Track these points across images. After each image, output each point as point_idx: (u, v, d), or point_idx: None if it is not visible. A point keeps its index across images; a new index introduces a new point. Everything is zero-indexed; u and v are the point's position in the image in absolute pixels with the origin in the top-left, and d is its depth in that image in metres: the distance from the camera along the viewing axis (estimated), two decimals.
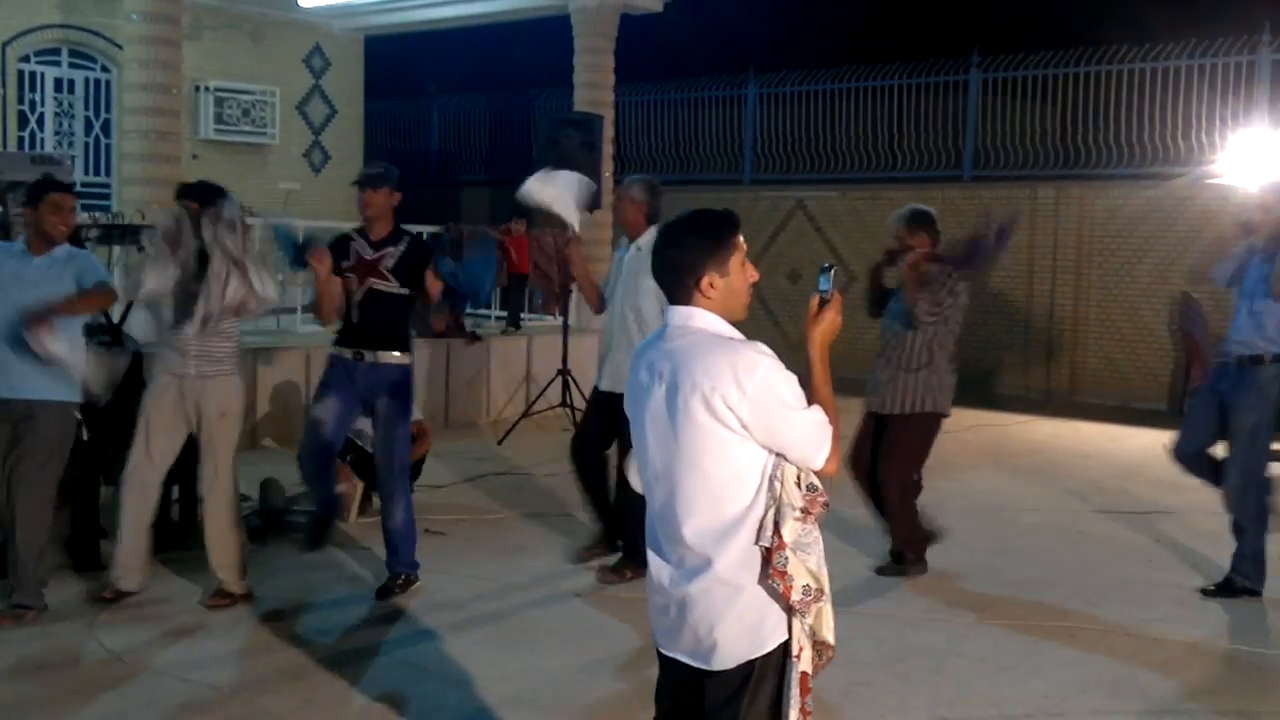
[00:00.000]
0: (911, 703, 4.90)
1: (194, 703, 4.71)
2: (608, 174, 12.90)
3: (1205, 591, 6.51)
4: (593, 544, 6.84)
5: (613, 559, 6.58)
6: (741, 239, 2.94)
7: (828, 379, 2.94)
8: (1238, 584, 6.44)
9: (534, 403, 11.09)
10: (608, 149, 13.00)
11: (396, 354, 6.05)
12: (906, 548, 6.66)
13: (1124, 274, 13.79)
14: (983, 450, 10.75)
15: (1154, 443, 11.31)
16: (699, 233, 2.93)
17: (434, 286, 6.02)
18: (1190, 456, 6.64)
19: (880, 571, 6.69)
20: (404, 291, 6.03)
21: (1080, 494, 9.08)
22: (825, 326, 2.96)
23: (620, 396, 6.11)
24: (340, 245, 6.10)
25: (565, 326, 11.21)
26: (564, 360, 10.94)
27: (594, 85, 13.55)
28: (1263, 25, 13.16)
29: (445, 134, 20.18)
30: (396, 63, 18.07)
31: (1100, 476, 9.78)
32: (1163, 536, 7.82)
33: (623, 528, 6.52)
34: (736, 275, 2.92)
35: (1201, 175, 13.22)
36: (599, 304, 6.64)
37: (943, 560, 6.97)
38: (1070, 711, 4.88)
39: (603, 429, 6.49)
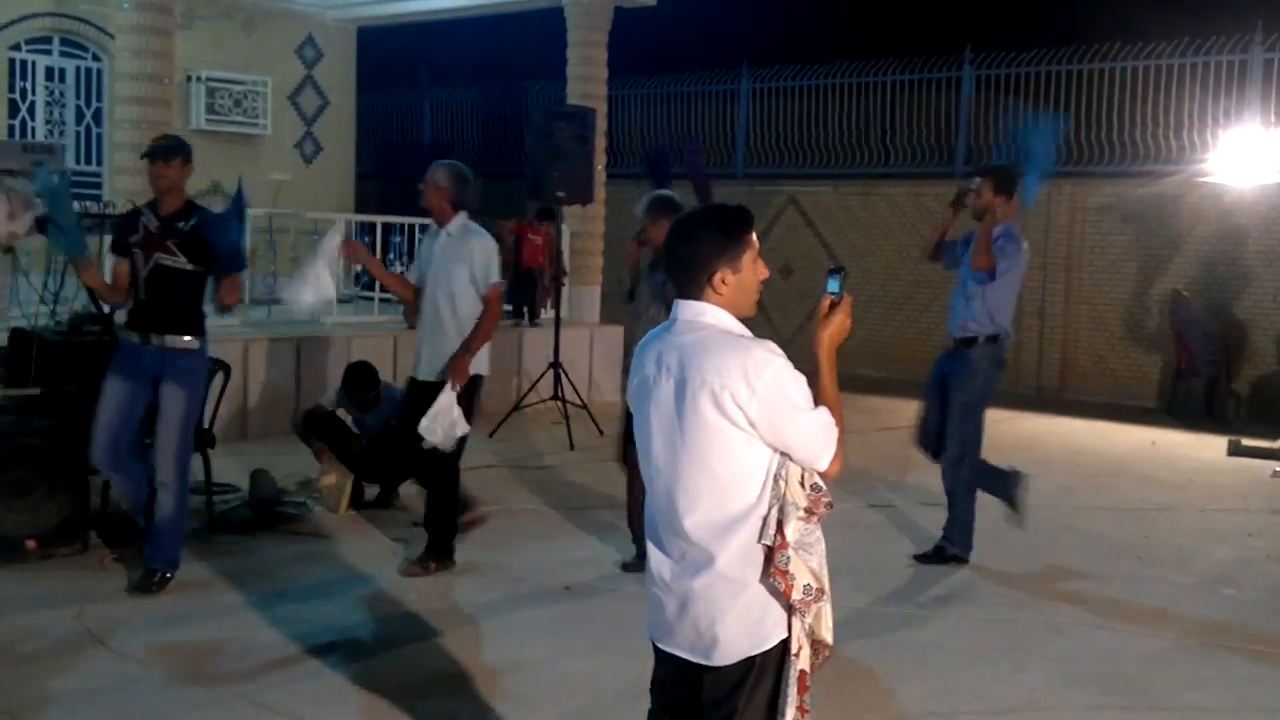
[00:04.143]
0: (898, 697, 4.91)
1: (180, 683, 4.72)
2: (600, 167, 12.89)
3: (917, 558, 6.84)
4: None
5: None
6: (754, 236, 2.93)
7: (835, 380, 2.95)
8: (948, 551, 6.81)
9: (525, 396, 11.08)
10: (600, 142, 12.98)
11: (186, 338, 5.87)
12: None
13: (1115, 271, 13.82)
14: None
15: (1143, 439, 11.38)
16: (713, 228, 2.91)
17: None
18: (930, 438, 6.91)
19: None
20: (193, 268, 5.83)
21: (1070, 490, 9.10)
22: (834, 329, 2.97)
23: (430, 385, 6.15)
24: (129, 221, 5.94)
25: (557, 319, 11.21)
26: (555, 354, 10.94)
27: (587, 78, 13.52)
28: (1255, 25, 13.18)
29: (437, 126, 20.14)
30: (389, 54, 18.01)
31: (1089, 472, 9.80)
32: (1151, 532, 7.85)
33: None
34: (748, 272, 2.91)
35: (1193, 173, 13.25)
36: (413, 296, 6.38)
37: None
38: (1057, 706, 4.89)
39: (417, 418, 6.18)
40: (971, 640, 5.63)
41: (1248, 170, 12.89)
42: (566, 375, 10.80)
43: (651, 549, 2.98)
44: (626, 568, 6.51)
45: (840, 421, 2.89)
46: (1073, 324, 14.12)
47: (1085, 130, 14.19)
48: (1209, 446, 10.99)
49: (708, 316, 2.89)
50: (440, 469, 6.28)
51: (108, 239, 9.18)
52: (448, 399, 6.07)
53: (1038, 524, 7.97)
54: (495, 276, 6.26)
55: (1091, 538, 7.67)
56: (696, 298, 2.90)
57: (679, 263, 2.92)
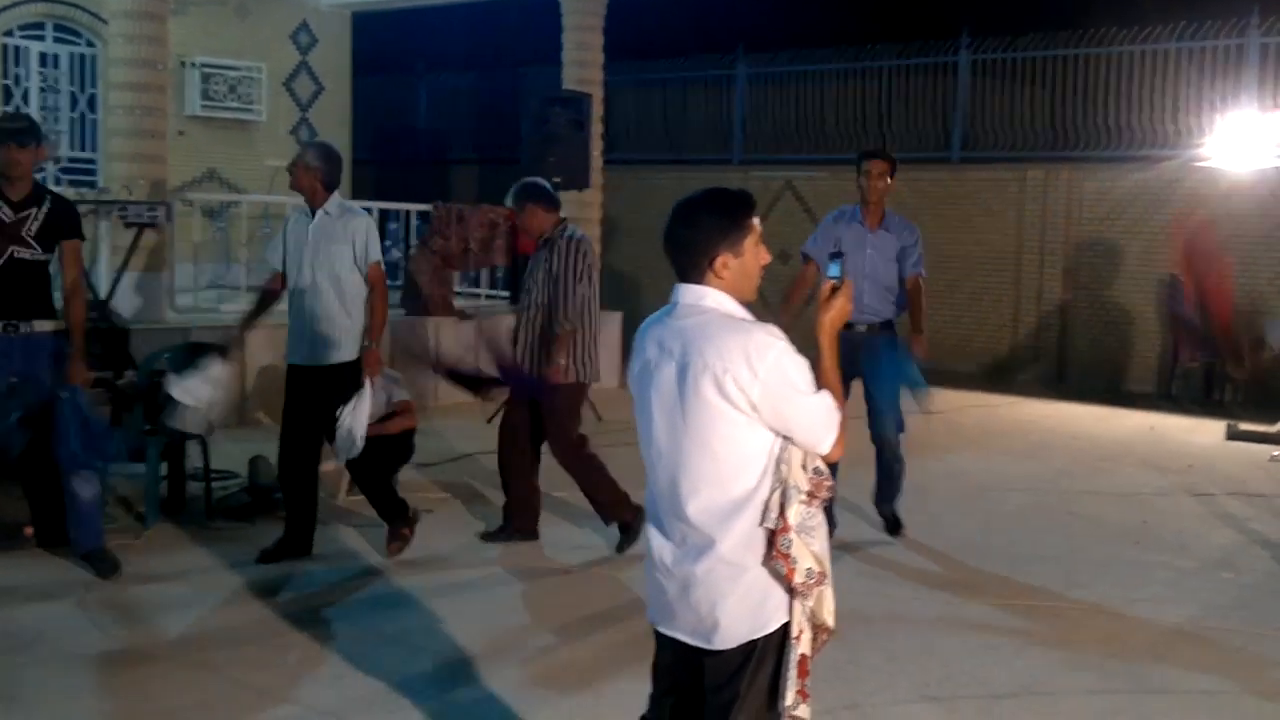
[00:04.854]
0: (898, 681, 4.90)
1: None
2: (596, 153, 12.84)
3: (891, 533, 7.00)
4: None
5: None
6: (756, 220, 2.93)
7: (837, 364, 2.94)
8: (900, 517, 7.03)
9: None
10: (596, 128, 12.94)
11: (50, 322, 5.82)
12: None
13: (1112, 256, 13.80)
14: (971, 431, 10.76)
15: (1142, 424, 11.38)
16: (715, 212, 2.90)
17: (72, 249, 5.84)
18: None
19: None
20: (46, 257, 5.81)
21: (1069, 474, 9.10)
22: (835, 313, 2.96)
23: (314, 370, 6.07)
24: None
25: None
26: None
27: (583, 64, 13.46)
28: (1251, 9, 13.15)
29: (433, 112, 20.07)
30: (384, 39, 17.92)
31: (1089, 457, 9.80)
32: (1151, 516, 7.84)
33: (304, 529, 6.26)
34: (750, 256, 2.91)
35: (1190, 158, 13.24)
36: (279, 285, 6.30)
37: (930, 539, 7.00)
38: (1058, 691, 4.89)
39: (308, 410, 6.16)
40: (972, 624, 5.63)
41: (1244, 154, 12.87)
42: None
43: (652, 533, 2.98)
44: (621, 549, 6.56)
45: (841, 405, 2.88)
46: (1071, 309, 14.11)
47: (1082, 115, 14.17)
48: (1207, 431, 11.00)
49: (709, 300, 2.88)
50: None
51: (103, 225, 9.23)
52: (368, 394, 6.04)
53: (1038, 509, 7.99)
54: (376, 254, 6.12)
55: (1091, 522, 7.67)
56: (698, 281, 2.89)
57: (680, 246, 2.91)
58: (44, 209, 5.75)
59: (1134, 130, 13.83)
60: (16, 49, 13.27)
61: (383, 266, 6.21)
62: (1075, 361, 14.11)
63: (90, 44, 13.68)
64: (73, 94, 13.71)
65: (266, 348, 9.77)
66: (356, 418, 6.04)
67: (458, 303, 11.80)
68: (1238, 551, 7.09)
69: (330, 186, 6.16)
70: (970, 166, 14.88)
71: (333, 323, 6.09)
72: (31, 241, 5.72)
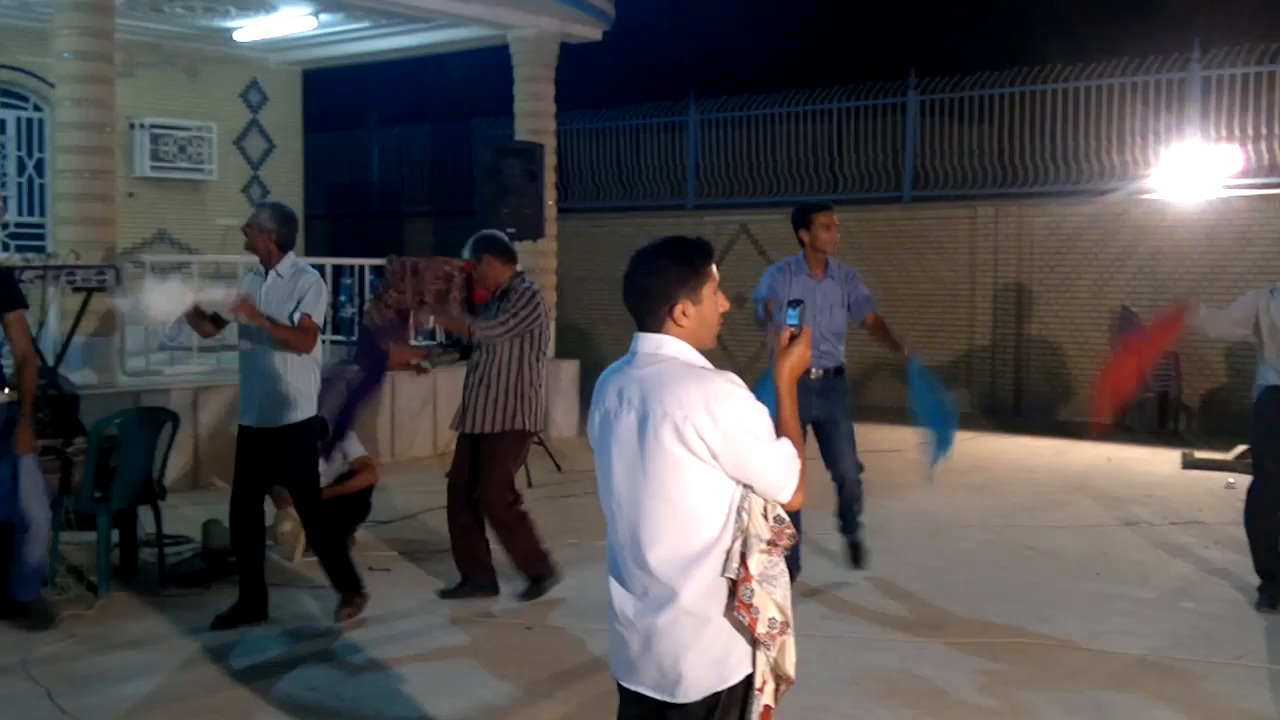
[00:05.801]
0: None
1: None
2: (550, 202, 12.88)
3: (856, 566, 6.97)
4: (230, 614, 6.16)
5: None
6: (714, 268, 2.94)
7: (796, 412, 2.94)
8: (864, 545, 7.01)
9: None
10: (550, 177, 12.99)
11: (6, 390, 5.89)
12: None
13: (1064, 289, 13.94)
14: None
15: (1099, 456, 11.44)
16: (674, 260, 2.91)
17: (16, 319, 5.88)
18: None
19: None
20: None
21: (1027, 509, 9.13)
22: (794, 360, 2.96)
23: (264, 431, 6.03)
24: None
25: None
26: None
27: (535, 114, 13.53)
28: (1192, 43, 13.39)
29: (386, 166, 20.07)
30: (335, 95, 17.95)
31: (1047, 490, 9.84)
32: (1111, 548, 7.87)
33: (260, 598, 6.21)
34: (708, 304, 2.91)
35: (1136, 190, 13.42)
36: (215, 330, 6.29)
37: (892, 578, 6.99)
38: None
39: (258, 472, 6.15)
40: (937, 665, 5.61)
41: (1189, 186, 13.06)
42: None
43: (613, 585, 2.94)
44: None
45: (801, 453, 2.88)
46: (1025, 342, 14.22)
47: (1030, 151, 14.35)
48: (1163, 460, 11.08)
49: (667, 348, 2.88)
50: (310, 506, 6.21)
51: (51, 290, 9.12)
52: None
53: (998, 544, 8.00)
54: (310, 308, 6.02)
55: (1051, 556, 7.69)
56: (656, 330, 2.90)
57: (640, 294, 2.91)
58: None
59: (1081, 164, 14.02)
60: None
61: (315, 321, 6.09)
62: (1031, 395, 14.20)
63: (38, 108, 13.63)
64: (20, 159, 13.64)
65: (218, 411, 9.69)
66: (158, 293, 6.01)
67: (413, 358, 11.73)
68: (1197, 581, 7.12)
69: (285, 248, 6.14)
70: (921, 205, 15.02)
71: (283, 383, 6.04)
72: None
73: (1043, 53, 15.09)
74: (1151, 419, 12.85)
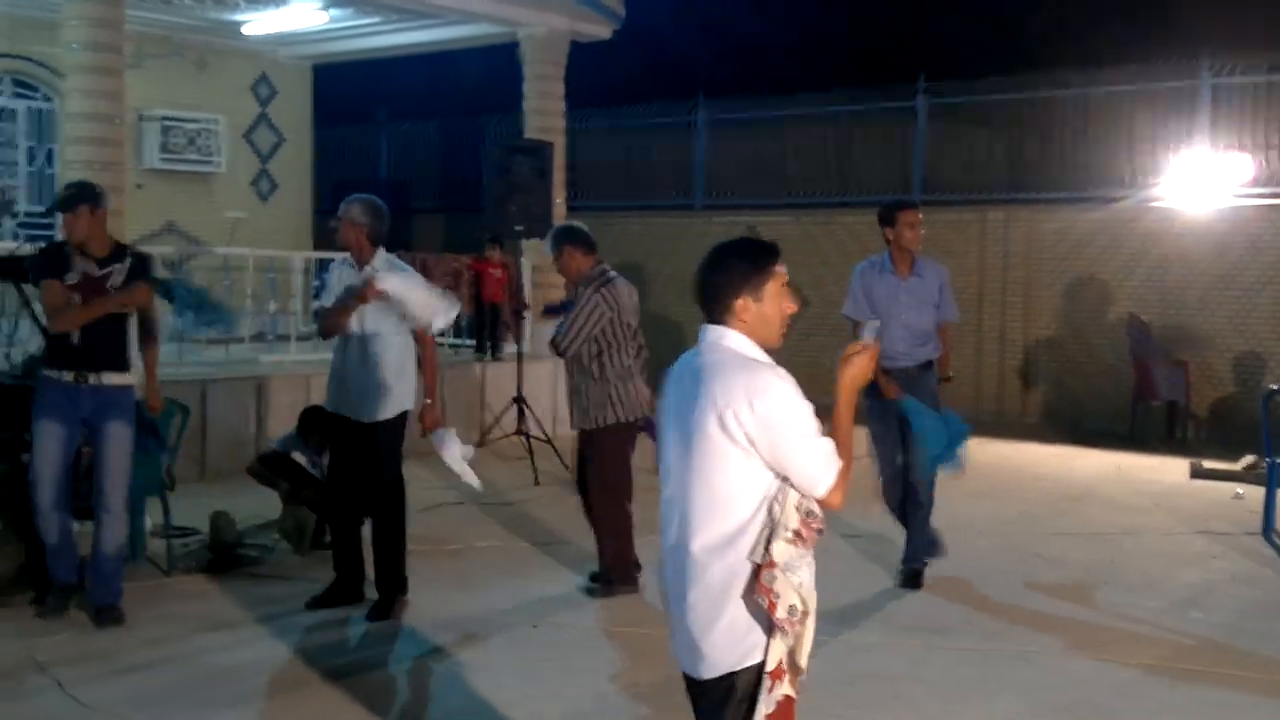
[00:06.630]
0: None
1: None
2: (559, 200, 12.86)
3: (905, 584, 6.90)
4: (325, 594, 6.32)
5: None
6: (782, 269, 3.08)
7: (850, 418, 3.06)
8: (923, 570, 6.94)
9: (489, 430, 11.00)
10: (559, 176, 12.97)
11: (122, 375, 5.90)
12: None
13: (1072, 295, 13.92)
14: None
15: (1107, 464, 11.43)
16: (740, 258, 3.07)
17: (143, 294, 5.95)
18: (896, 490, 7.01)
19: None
20: (128, 312, 5.92)
21: (1034, 515, 9.11)
22: (854, 371, 3.07)
23: (354, 424, 6.10)
24: (58, 257, 5.87)
25: (520, 353, 11.14)
26: (519, 388, 10.87)
27: (544, 112, 13.53)
28: (1201, 51, 13.37)
29: (395, 162, 20.07)
30: (345, 90, 17.95)
31: (1054, 498, 9.82)
32: (1119, 557, 7.85)
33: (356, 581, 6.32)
34: (770, 302, 3.05)
35: (1145, 198, 13.40)
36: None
37: (896, 584, 6.96)
38: None
39: (350, 462, 6.20)
40: (944, 670, 5.60)
41: (1199, 194, 13.05)
42: (530, 410, 10.73)
43: (663, 565, 3.10)
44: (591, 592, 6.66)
45: (848, 457, 2.98)
46: (1033, 349, 14.21)
47: (1039, 157, 14.34)
48: (1171, 470, 11.05)
49: (727, 340, 3.04)
50: (391, 502, 6.22)
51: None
52: (455, 446, 6.13)
53: (1005, 551, 7.98)
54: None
55: (1058, 564, 7.67)
56: (720, 323, 3.05)
57: (707, 289, 3.07)
58: (125, 264, 5.87)
59: (1090, 171, 14.00)
60: None
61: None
62: (1038, 401, 14.18)
63: (48, 99, 13.64)
64: (30, 149, 13.64)
65: (227, 403, 9.69)
66: (461, 462, 6.18)
67: None
68: (1205, 591, 7.10)
69: (377, 242, 6.14)
70: (931, 209, 14.90)
71: (375, 380, 6.05)
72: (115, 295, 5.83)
73: (1053, 59, 15.08)
74: (1160, 428, 12.83)
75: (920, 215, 6.88)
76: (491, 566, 7.30)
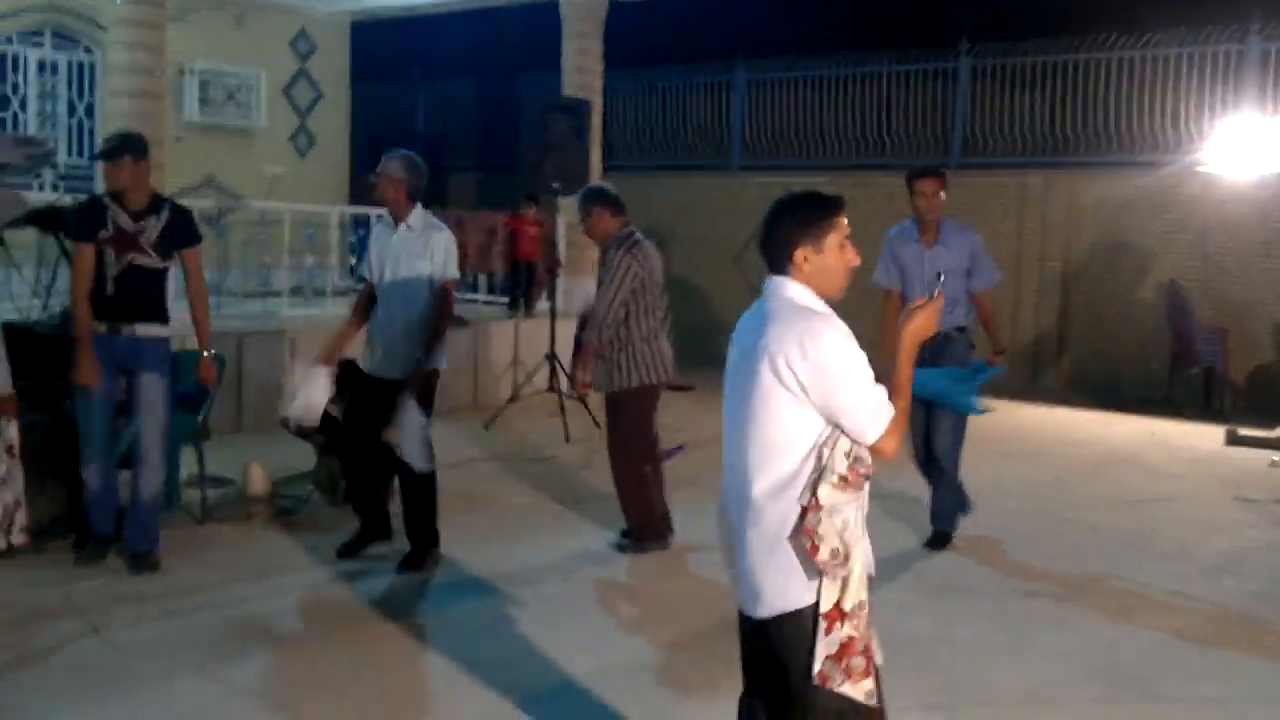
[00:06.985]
0: (899, 691, 4.84)
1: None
2: (596, 159, 12.83)
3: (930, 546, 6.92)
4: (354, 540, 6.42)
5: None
6: (843, 220, 3.14)
7: (909, 369, 3.11)
8: (950, 533, 6.98)
9: (521, 387, 11.03)
10: (596, 135, 12.93)
11: (159, 326, 5.93)
12: None
13: (1112, 262, 13.78)
14: (968, 436, 10.69)
15: (1142, 429, 11.35)
16: (800, 209, 3.14)
17: (193, 259, 5.98)
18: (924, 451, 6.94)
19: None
20: (163, 265, 5.92)
21: (1067, 480, 9.07)
22: (914, 325, 3.15)
23: (382, 381, 6.09)
24: (94, 213, 5.86)
25: (553, 311, 11.16)
26: (551, 345, 10.89)
27: (582, 70, 13.47)
28: (1252, 13, 13.14)
29: (432, 118, 20.05)
30: (383, 46, 17.92)
31: (1089, 463, 9.77)
32: (1153, 523, 7.81)
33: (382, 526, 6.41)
34: (831, 254, 3.11)
35: (1190, 163, 13.21)
36: (367, 300, 6.31)
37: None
38: (1063, 700, 4.85)
39: (372, 417, 6.17)
40: (973, 632, 5.59)
41: (1245, 160, 12.85)
42: (562, 367, 10.75)
43: (723, 510, 3.19)
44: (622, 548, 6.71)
45: (905, 408, 3.05)
46: (1070, 314, 14.09)
47: (1082, 121, 14.15)
48: (1207, 436, 10.97)
49: (787, 290, 3.11)
50: (421, 476, 6.20)
51: None
52: (413, 414, 6.00)
53: (1037, 515, 7.96)
54: (454, 273, 6.16)
55: (1092, 529, 7.63)
56: (781, 273, 3.13)
57: (770, 241, 3.15)
58: (162, 217, 5.90)
59: (1134, 136, 13.80)
60: (15, 56, 13.28)
61: (454, 286, 6.24)
62: (1074, 367, 14.08)
63: (89, 50, 13.69)
64: (71, 101, 13.71)
65: (262, 356, 9.76)
66: (408, 432, 5.99)
67: (457, 309, 11.78)
68: (1239, 558, 7.06)
69: (415, 198, 6.16)
70: (970, 172, 14.84)
71: (404, 338, 6.07)
72: (150, 249, 5.86)
73: (1098, 21, 14.84)
74: (1197, 394, 12.72)
75: (937, 183, 6.70)
76: (522, 522, 7.34)
